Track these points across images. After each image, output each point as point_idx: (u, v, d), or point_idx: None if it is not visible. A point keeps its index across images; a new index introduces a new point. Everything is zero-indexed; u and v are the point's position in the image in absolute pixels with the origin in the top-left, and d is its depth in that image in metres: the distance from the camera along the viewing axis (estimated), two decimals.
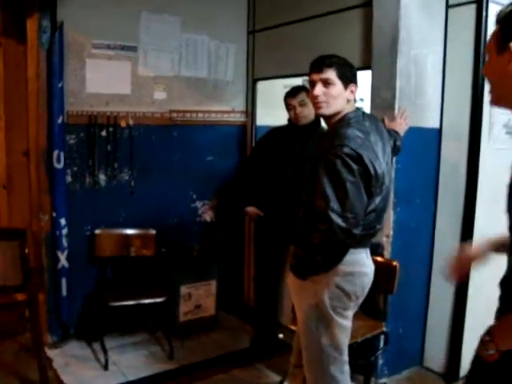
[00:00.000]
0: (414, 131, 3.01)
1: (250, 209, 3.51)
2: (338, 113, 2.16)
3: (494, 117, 3.09)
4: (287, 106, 3.29)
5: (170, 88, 3.83)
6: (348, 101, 2.16)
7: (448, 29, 3.11)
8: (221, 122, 4.11)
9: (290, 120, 3.35)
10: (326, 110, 2.16)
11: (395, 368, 3.24)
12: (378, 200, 2.13)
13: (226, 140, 4.18)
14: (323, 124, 3.51)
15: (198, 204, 4.10)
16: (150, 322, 3.80)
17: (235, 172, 4.17)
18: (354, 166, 1.98)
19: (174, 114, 3.86)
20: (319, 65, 2.16)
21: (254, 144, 4.14)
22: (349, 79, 2.15)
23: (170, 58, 3.80)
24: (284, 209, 3.26)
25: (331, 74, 2.13)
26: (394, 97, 2.96)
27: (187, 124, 3.93)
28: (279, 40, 3.88)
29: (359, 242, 2.15)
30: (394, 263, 2.86)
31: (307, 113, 3.23)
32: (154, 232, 3.72)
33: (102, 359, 3.32)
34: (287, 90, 3.35)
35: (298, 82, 3.74)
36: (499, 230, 3.23)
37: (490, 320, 3.49)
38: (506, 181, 3.44)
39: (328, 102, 2.14)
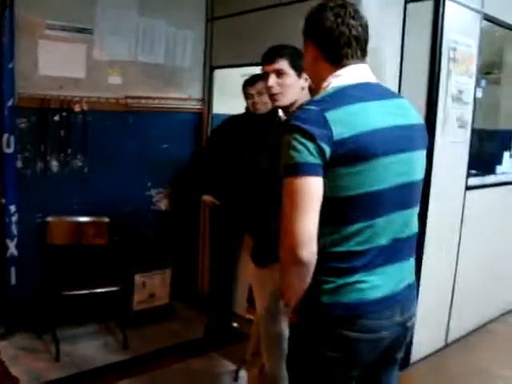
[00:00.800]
0: None
1: (206, 197, 3.49)
2: (294, 102, 2.15)
3: (447, 110, 3.18)
4: (245, 95, 3.28)
5: (126, 73, 3.74)
6: (302, 88, 2.16)
7: (406, 23, 3.16)
8: (177, 109, 4.06)
9: (247, 109, 3.34)
10: (283, 101, 2.15)
11: None
12: None
13: (182, 128, 4.13)
14: (280, 113, 3.54)
15: (153, 192, 4.04)
16: (103, 312, 3.72)
17: (191, 160, 4.14)
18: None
19: (130, 100, 3.78)
20: (271, 56, 2.15)
21: (210, 132, 4.11)
22: (301, 68, 2.12)
23: (127, 42, 3.71)
24: (240, 198, 3.26)
25: (283, 64, 2.12)
26: None
27: (143, 110, 3.86)
28: (238, 28, 3.85)
29: None
30: None
31: (265, 102, 3.22)
32: (107, 220, 3.64)
33: (53, 350, 3.22)
34: (245, 78, 3.34)
35: (255, 71, 3.71)
36: (449, 224, 3.42)
37: (443, 313, 3.54)
38: (460, 173, 3.51)
39: (283, 93, 2.13)
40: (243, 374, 3.10)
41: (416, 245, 1.67)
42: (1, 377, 2.97)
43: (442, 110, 3.14)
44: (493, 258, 4.02)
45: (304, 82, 2.15)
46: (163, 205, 4.10)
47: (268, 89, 2.14)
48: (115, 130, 3.75)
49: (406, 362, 3.30)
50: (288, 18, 3.48)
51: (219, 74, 4.11)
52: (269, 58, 2.15)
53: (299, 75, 2.14)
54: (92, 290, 3.28)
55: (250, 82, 3.25)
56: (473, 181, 3.56)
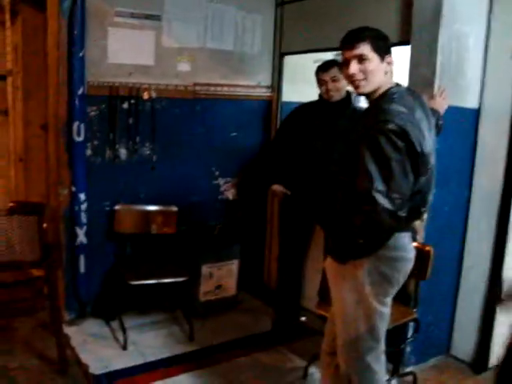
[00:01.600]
0: (452, 111, 2.84)
1: (277, 187, 3.38)
2: (378, 88, 2.02)
3: None
4: (318, 81, 3.16)
5: (195, 60, 3.67)
6: (386, 73, 2.01)
7: (493, 4, 2.91)
8: (246, 96, 3.96)
9: (320, 96, 3.21)
10: (366, 88, 2.02)
11: (422, 356, 3.13)
12: (423, 181, 1.98)
13: (251, 115, 4.03)
14: (355, 101, 3.37)
15: (221, 181, 3.97)
16: (170, 301, 3.70)
17: (259, 149, 4.04)
18: (400, 143, 1.84)
19: (198, 87, 3.71)
20: (351, 40, 2.01)
21: (279, 120, 4.00)
22: (384, 50, 2.00)
23: (195, 28, 3.63)
24: (311, 188, 3.13)
25: (365, 49, 1.97)
26: (433, 74, 2.79)
27: (211, 98, 3.79)
28: (309, 12, 3.69)
29: (404, 226, 2.01)
30: (428, 248, 2.72)
31: (339, 88, 3.12)
32: (175, 209, 3.61)
33: (121, 338, 3.24)
34: (318, 64, 3.20)
35: (328, 56, 3.57)
36: None
37: None
38: None
39: (366, 79, 2.00)
40: (312, 370, 3.01)
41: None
42: (71, 362, 3.00)
43: None
44: None
45: (387, 66, 2.01)
46: (231, 194, 4.03)
47: (349, 76, 2.02)
48: (183, 118, 3.70)
49: (483, 366, 3.09)
50: (361, 0, 3.29)
51: (290, 61, 3.97)
52: (348, 42, 2.01)
53: (382, 59, 1.99)
54: (159, 280, 3.26)
55: (323, 68, 3.12)
56: None
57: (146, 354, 3.14)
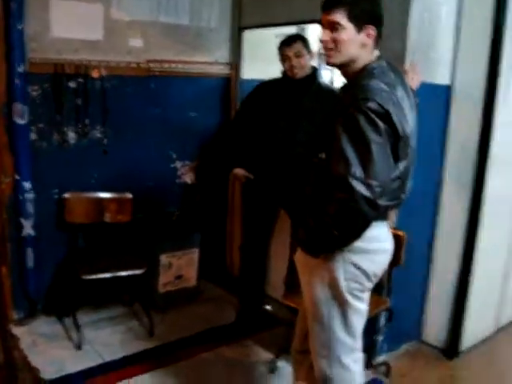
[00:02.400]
0: (423, 87, 2.68)
1: (239, 171, 3.18)
2: (353, 61, 1.81)
3: (510, 75, 2.81)
4: (282, 57, 2.96)
5: (148, 35, 3.40)
6: (363, 45, 1.80)
7: None
8: (203, 74, 3.72)
9: (284, 72, 3.01)
10: (336, 59, 1.81)
11: (394, 343, 3.04)
12: (402, 165, 1.80)
13: (209, 94, 3.79)
14: (322, 77, 3.21)
15: (178, 164, 3.74)
16: (127, 294, 3.48)
17: (219, 129, 3.82)
18: (381, 124, 1.65)
19: (152, 64, 3.45)
20: (328, 4, 1.79)
21: (239, 99, 3.77)
22: (364, 20, 1.78)
23: (147, 0, 3.35)
24: (276, 170, 2.97)
25: (339, 16, 1.75)
26: (405, 48, 2.63)
27: (166, 75, 3.53)
28: None
29: (381, 215, 1.85)
30: (401, 233, 2.61)
31: (304, 65, 2.93)
32: (130, 196, 3.36)
33: (75, 337, 3.01)
34: (281, 39, 3.00)
35: (291, 31, 3.38)
36: (505, 202, 3.09)
37: (495, 295, 3.27)
38: None
39: (337, 50, 1.79)
40: (281, 364, 2.86)
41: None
42: (20, 366, 2.76)
43: (505, 75, 2.76)
44: None
45: (365, 38, 1.79)
46: (189, 178, 3.80)
47: (321, 43, 1.83)
48: (137, 98, 3.43)
49: (455, 351, 3.03)
50: None
51: (250, 36, 3.73)
52: (325, 6, 1.80)
53: (359, 29, 1.77)
54: (115, 274, 3.03)
55: (286, 43, 2.92)
56: None
57: (102, 353, 2.92)
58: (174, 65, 3.55)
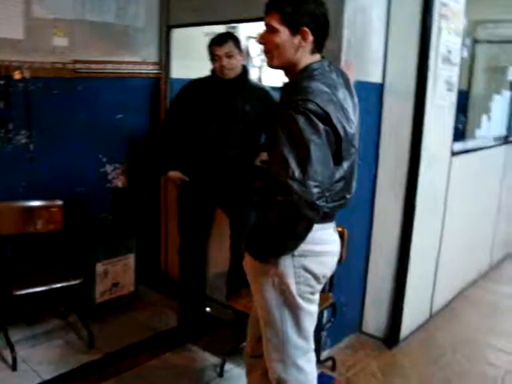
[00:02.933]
0: (357, 86, 2.74)
1: (173, 173, 3.10)
2: (292, 64, 1.80)
3: (437, 72, 2.94)
4: (212, 56, 2.88)
5: (73, 34, 3.24)
6: (300, 48, 1.77)
7: None
8: (131, 74, 3.60)
9: (213, 72, 2.94)
10: (273, 62, 1.83)
11: (336, 337, 3.10)
12: (346, 165, 1.80)
13: (138, 95, 3.69)
14: (252, 78, 3.20)
15: (109, 168, 3.61)
16: (62, 306, 3.31)
17: (149, 131, 3.72)
18: (321, 126, 1.63)
19: (79, 65, 3.29)
20: (267, 6, 1.80)
21: (169, 99, 3.68)
22: (298, 22, 1.74)
23: None
24: (210, 171, 2.95)
25: (273, 19, 1.76)
26: (340, 48, 2.68)
27: (94, 76, 3.38)
28: None
29: (327, 216, 1.83)
30: (342, 230, 2.66)
31: (234, 65, 2.87)
32: (60, 203, 3.19)
33: (9, 357, 2.81)
34: (211, 37, 2.93)
35: (221, 30, 3.35)
36: (436, 192, 3.25)
37: (428, 283, 3.42)
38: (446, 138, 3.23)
39: (274, 52, 1.79)
40: (229, 367, 2.84)
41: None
42: None
43: (432, 72, 2.90)
44: (472, 223, 3.92)
45: (300, 41, 1.76)
46: (120, 182, 3.68)
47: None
48: (63, 100, 3.27)
49: (395, 340, 3.15)
50: None
51: (178, 34, 3.66)
52: (266, 8, 1.80)
53: (294, 32, 1.75)
54: (50, 286, 2.86)
55: (217, 42, 2.85)
56: (457, 146, 3.38)
57: (40, 371, 2.75)
58: (101, 65, 3.41)
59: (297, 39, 1.76)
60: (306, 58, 1.80)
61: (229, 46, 2.83)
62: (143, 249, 3.66)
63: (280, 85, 1.94)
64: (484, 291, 4.04)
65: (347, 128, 1.74)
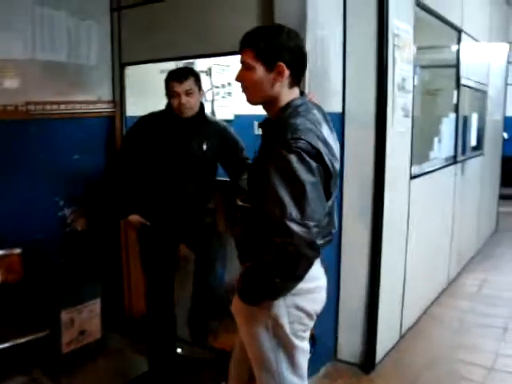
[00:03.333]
0: None
1: (133, 217, 2.98)
2: (272, 99, 1.79)
3: (394, 100, 3.05)
4: (169, 92, 2.76)
5: (24, 74, 3.12)
6: (277, 84, 1.76)
7: (347, 8, 2.97)
8: (86, 114, 3.50)
9: (170, 107, 2.83)
10: (252, 98, 1.83)
11: (313, 367, 3.07)
12: (331, 200, 1.81)
13: (93, 134, 3.58)
14: (209, 115, 3.16)
15: (67, 212, 3.47)
16: (24, 361, 3.11)
17: (105, 171, 3.61)
18: (313, 164, 1.62)
19: (31, 107, 3.17)
20: (240, 43, 1.80)
21: (123, 140, 3.55)
22: (273, 58, 1.74)
23: (22, 37, 3.09)
24: (169, 210, 2.93)
25: (247, 56, 1.76)
26: (303, 81, 2.73)
27: (47, 117, 3.26)
28: (152, 18, 3.36)
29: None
30: None
31: (194, 104, 2.78)
32: (18, 251, 3.03)
33: None
34: (169, 72, 2.82)
35: (174, 65, 3.35)
36: (399, 216, 3.33)
37: (397, 304, 3.45)
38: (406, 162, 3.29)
39: (250, 89, 1.79)
40: None
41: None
42: None
43: (391, 100, 3.00)
44: (431, 242, 4.04)
45: (277, 76, 1.75)
46: (79, 225, 3.54)
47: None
48: (17, 143, 3.13)
49: (372, 364, 3.17)
50: (214, 3, 3.11)
51: (133, 72, 3.61)
52: (241, 44, 1.81)
53: (270, 68, 1.74)
54: (14, 342, 2.72)
55: (177, 77, 2.74)
56: (414, 169, 3.49)
57: None
58: (55, 106, 3.30)
59: (273, 74, 1.75)
60: (286, 92, 1.80)
61: (189, 84, 2.73)
62: (109, 293, 3.52)
63: (259, 120, 1.92)
64: (446, 308, 4.15)
65: (334, 164, 1.75)
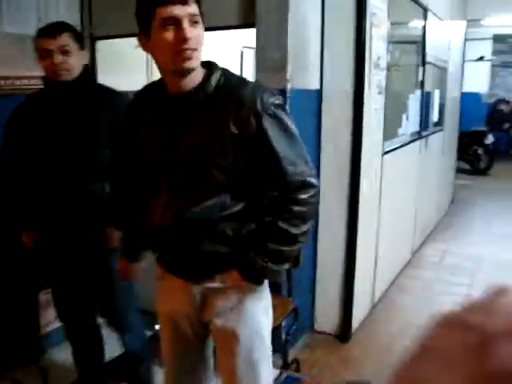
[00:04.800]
0: (299, 93, 2.85)
1: (25, 236, 2.41)
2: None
3: (371, 77, 3.11)
4: (40, 53, 2.19)
5: None
6: None
7: None
8: None
9: (45, 79, 2.28)
10: (196, 62, 1.49)
11: (293, 339, 3.17)
12: None
13: None
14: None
15: None
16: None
17: None
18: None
19: (1, 82, 3.06)
20: None
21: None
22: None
23: None
24: (48, 226, 2.31)
25: (193, 7, 1.45)
26: (285, 57, 2.74)
27: (20, 93, 3.14)
28: None
29: None
30: None
31: (72, 64, 2.19)
32: None
33: None
34: (38, 28, 2.26)
35: None
36: (373, 191, 3.42)
37: (370, 277, 3.52)
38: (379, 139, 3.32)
39: (197, 51, 1.48)
40: None
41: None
42: None
43: (367, 78, 3.05)
44: (399, 215, 4.18)
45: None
46: None
47: (181, 42, 1.43)
48: None
49: (348, 334, 3.29)
50: None
51: (104, 46, 3.51)
52: None
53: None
54: None
55: (47, 33, 2.16)
56: (386, 145, 3.59)
57: None
58: (25, 81, 3.19)
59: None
60: None
61: (64, 39, 2.16)
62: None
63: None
64: (412, 278, 4.33)
65: None
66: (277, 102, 1.54)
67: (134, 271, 2.00)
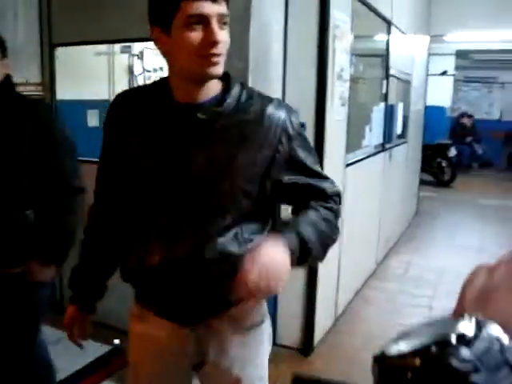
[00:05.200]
0: None
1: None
2: None
3: (333, 89, 3.11)
4: None
5: None
6: None
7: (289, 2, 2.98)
8: None
9: None
10: (221, 69, 1.31)
11: None
12: None
13: None
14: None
15: None
16: None
17: None
18: None
19: None
20: None
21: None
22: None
23: None
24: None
25: (222, 7, 1.26)
26: (247, 68, 2.72)
27: None
28: None
29: None
30: None
31: None
32: None
33: None
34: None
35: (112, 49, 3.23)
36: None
37: (333, 288, 3.51)
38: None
39: (225, 57, 1.31)
40: None
41: None
42: None
43: (330, 89, 3.05)
44: (363, 227, 4.19)
45: None
46: None
47: (210, 45, 1.25)
48: None
49: (311, 348, 3.26)
50: None
51: (63, 53, 3.43)
52: None
53: None
54: None
55: None
56: (348, 157, 3.59)
57: None
58: None
59: None
60: None
61: None
62: None
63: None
64: (376, 290, 4.33)
65: None
66: (300, 121, 1.47)
67: (88, 326, 1.62)
